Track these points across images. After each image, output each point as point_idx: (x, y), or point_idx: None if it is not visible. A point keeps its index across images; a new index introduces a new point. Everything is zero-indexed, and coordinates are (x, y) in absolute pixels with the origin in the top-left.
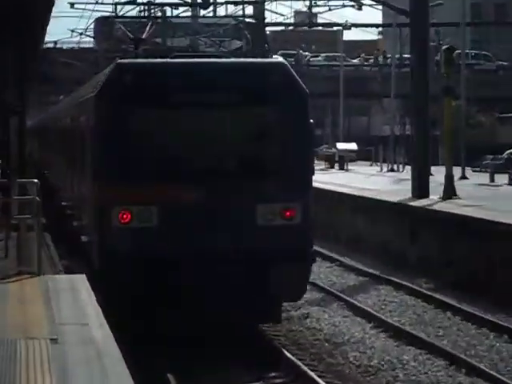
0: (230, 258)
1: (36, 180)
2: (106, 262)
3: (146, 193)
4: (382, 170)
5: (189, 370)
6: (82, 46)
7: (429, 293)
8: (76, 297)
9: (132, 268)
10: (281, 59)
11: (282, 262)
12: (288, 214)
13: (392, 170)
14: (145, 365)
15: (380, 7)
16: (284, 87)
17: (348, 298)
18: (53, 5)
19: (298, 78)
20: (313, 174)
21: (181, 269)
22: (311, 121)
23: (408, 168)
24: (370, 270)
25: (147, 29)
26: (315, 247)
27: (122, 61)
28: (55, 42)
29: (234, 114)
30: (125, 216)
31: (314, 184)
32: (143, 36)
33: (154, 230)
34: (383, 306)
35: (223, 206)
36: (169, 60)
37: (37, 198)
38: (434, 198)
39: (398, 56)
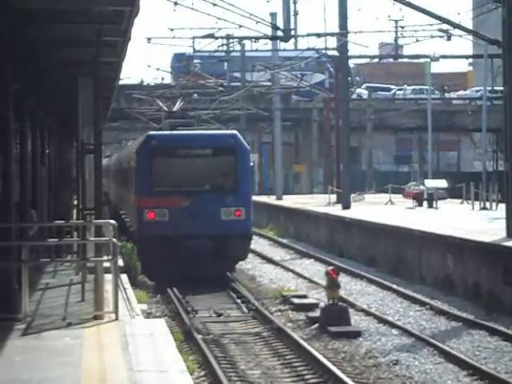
0: (206, 236)
1: (113, 221)
2: (141, 239)
3: (162, 202)
4: (473, 208)
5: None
6: (158, 81)
7: None
8: (154, 342)
9: (153, 242)
10: (235, 131)
11: (234, 239)
12: (238, 213)
13: (484, 208)
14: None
15: (470, 37)
16: (235, 146)
17: (439, 344)
18: (129, 40)
19: (243, 140)
20: (252, 193)
21: (179, 242)
22: (252, 163)
23: (501, 206)
24: (463, 314)
25: (177, 103)
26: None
27: (150, 132)
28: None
29: (209, 160)
30: (150, 215)
31: (400, 223)
32: (174, 109)
33: (166, 222)
34: (477, 353)
35: (202, 209)
36: (174, 132)
37: (114, 239)
38: None
39: (489, 88)
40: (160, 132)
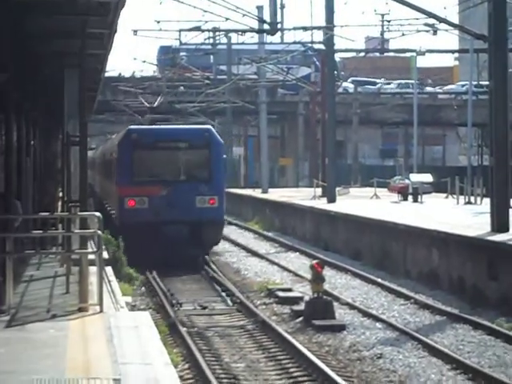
0: (184, 223)
1: (98, 213)
2: (122, 225)
3: (142, 191)
4: (458, 202)
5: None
6: (144, 74)
7: (510, 332)
8: (139, 334)
9: (134, 227)
10: (209, 126)
11: (208, 226)
12: (212, 201)
13: (469, 203)
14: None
15: (456, 32)
16: (210, 140)
17: (423, 338)
18: (115, 32)
19: (217, 135)
20: (225, 183)
21: (158, 228)
22: (224, 156)
23: (486, 201)
24: (447, 308)
25: (158, 98)
26: None
27: (131, 127)
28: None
29: (186, 153)
30: (131, 203)
31: (385, 217)
32: (154, 105)
33: (146, 209)
34: (461, 347)
35: (179, 197)
36: (153, 126)
37: (98, 232)
38: None
39: (475, 83)
40: (140, 126)
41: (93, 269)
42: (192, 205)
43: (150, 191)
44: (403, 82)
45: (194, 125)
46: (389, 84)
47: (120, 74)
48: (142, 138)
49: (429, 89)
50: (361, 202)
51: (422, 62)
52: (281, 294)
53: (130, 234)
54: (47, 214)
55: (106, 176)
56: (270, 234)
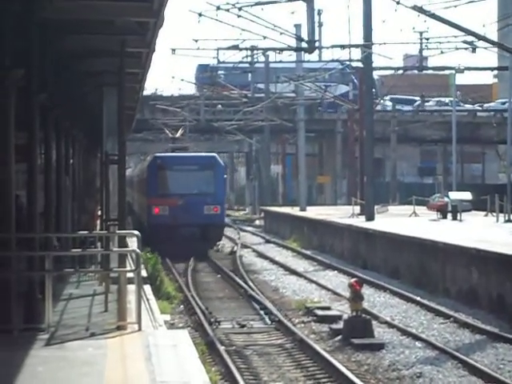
0: (196, 225)
1: (136, 232)
2: (150, 228)
3: (164, 202)
4: (498, 220)
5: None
6: (182, 92)
7: None
8: (177, 353)
9: (159, 229)
10: (214, 154)
11: (213, 228)
12: (215, 209)
13: (509, 221)
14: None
15: (495, 50)
16: (214, 164)
17: (463, 357)
18: (153, 51)
19: (220, 160)
20: (225, 195)
21: (177, 230)
22: (225, 176)
23: None
24: (487, 327)
25: (179, 131)
26: None
27: (157, 154)
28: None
29: (196, 173)
30: (156, 210)
31: (424, 235)
32: (176, 135)
33: (167, 215)
34: (501, 366)
35: (191, 206)
36: (173, 154)
37: (137, 250)
38: None
39: None
40: (163, 154)
41: (131, 287)
42: (201, 212)
43: (170, 202)
44: (442, 99)
45: (229, 143)
46: (427, 101)
47: (156, 91)
48: (164, 162)
49: (468, 106)
50: (399, 220)
51: (461, 79)
52: (319, 312)
53: (155, 232)
54: (86, 232)
55: (140, 191)
56: (308, 252)
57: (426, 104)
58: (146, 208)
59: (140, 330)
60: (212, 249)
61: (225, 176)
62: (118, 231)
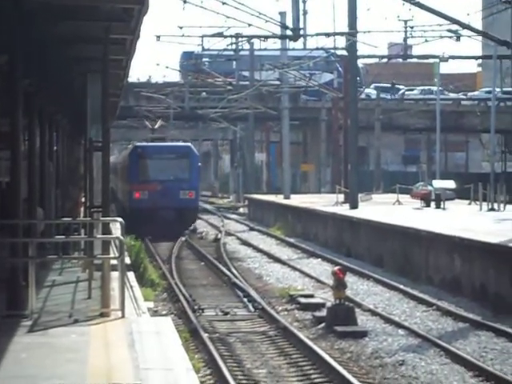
0: (171, 209)
1: (120, 219)
2: (131, 211)
3: (144, 187)
4: (481, 209)
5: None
6: (166, 79)
7: None
8: (161, 340)
9: (139, 212)
10: (189, 143)
11: (188, 211)
12: (190, 194)
13: (492, 210)
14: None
15: (479, 38)
16: (189, 152)
17: (446, 345)
18: (138, 38)
19: (194, 149)
20: (199, 182)
21: (155, 212)
22: (199, 164)
23: (509, 207)
24: (470, 315)
25: (159, 122)
26: None
27: (137, 144)
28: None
29: (173, 161)
30: (137, 195)
31: (407, 223)
32: (155, 127)
33: (147, 199)
34: (483, 354)
35: (168, 191)
36: (152, 143)
37: (120, 237)
38: None
39: (498, 89)
40: (143, 143)
41: (115, 274)
42: (177, 196)
43: (149, 187)
44: (426, 88)
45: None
46: (412, 90)
47: (138, 79)
48: (144, 151)
49: (452, 95)
50: (383, 208)
51: (445, 68)
52: (303, 300)
53: (136, 216)
54: (70, 219)
55: (122, 177)
56: (291, 240)
57: (411, 92)
58: (127, 193)
59: (123, 317)
60: (187, 230)
61: (199, 164)
62: (101, 218)
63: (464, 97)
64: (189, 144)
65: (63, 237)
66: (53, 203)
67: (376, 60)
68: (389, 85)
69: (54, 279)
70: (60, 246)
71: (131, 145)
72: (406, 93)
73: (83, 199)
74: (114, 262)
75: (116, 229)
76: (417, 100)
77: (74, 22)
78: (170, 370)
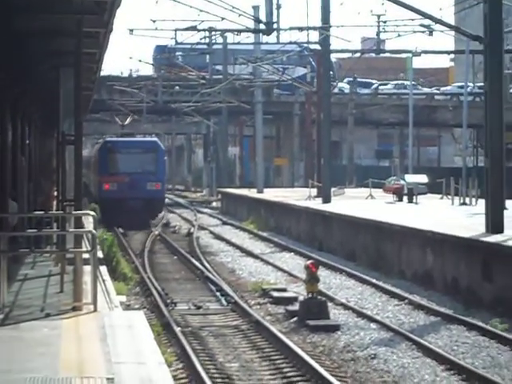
0: (140, 199)
1: (93, 212)
2: (101, 201)
3: (113, 179)
4: (453, 203)
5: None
6: (140, 73)
7: (504, 333)
8: (133, 334)
9: (109, 202)
10: (155, 139)
11: (155, 202)
12: (157, 186)
13: (464, 204)
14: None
15: (452, 33)
16: (156, 147)
17: (417, 338)
18: (111, 31)
19: (161, 143)
20: (165, 174)
21: (123, 202)
22: (165, 158)
23: (481, 202)
24: (442, 309)
25: (129, 118)
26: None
27: (107, 139)
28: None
29: (141, 155)
30: (107, 186)
31: (380, 217)
32: (125, 123)
33: (116, 190)
34: (455, 347)
35: (136, 183)
36: (121, 138)
37: (93, 230)
38: (509, 234)
39: (471, 84)
40: (113, 138)
41: (87, 268)
42: (144, 187)
43: (118, 179)
44: (400, 82)
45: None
46: (386, 85)
47: (110, 75)
48: (113, 146)
49: (426, 89)
50: (356, 202)
51: (418, 62)
52: (275, 294)
53: (105, 206)
54: (42, 212)
55: (94, 171)
56: (264, 234)
57: (384, 87)
58: (97, 185)
59: (95, 310)
60: (153, 220)
61: (165, 158)
62: (74, 212)
63: (437, 91)
64: (155, 139)
65: (35, 230)
66: (25, 197)
67: (349, 54)
68: (363, 79)
69: (26, 273)
70: (32, 239)
71: (102, 139)
72: (380, 87)
73: (56, 193)
74: (86, 255)
75: (88, 223)
76: (390, 94)
77: (46, 15)
78: (142, 363)
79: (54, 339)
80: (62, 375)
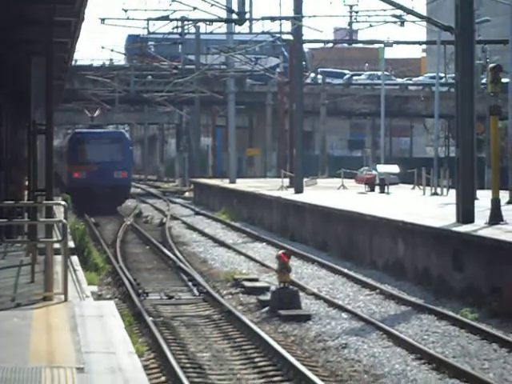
0: (108, 186)
1: (63, 202)
2: (71, 189)
3: (82, 168)
4: (424, 193)
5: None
6: (112, 63)
7: (474, 323)
8: (103, 324)
9: (78, 189)
10: (122, 130)
11: (121, 189)
12: (123, 174)
13: (435, 194)
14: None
15: (424, 24)
16: (122, 138)
17: (388, 328)
18: (82, 20)
19: (127, 134)
20: (131, 163)
21: (92, 190)
22: (131, 147)
23: (452, 192)
24: (412, 299)
25: (97, 111)
26: None
27: (76, 130)
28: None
29: (108, 146)
30: (76, 175)
31: (352, 207)
32: (94, 115)
33: (85, 179)
34: (425, 337)
35: (104, 171)
36: (90, 130)
37: (64, 220)
38: (479, 224)
39: (442, 74)
40: (82, 130)
41: (58, 258)
42: (111, 175)
43: (87, 168)
44: (373, 73)
45: (159, 115)
46: (359, 75)
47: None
48: (82, 137)
49: (399, 80)
50: (328, 192)
51: (390, 53)
52: (247, 283)
53: (75, 193)
54: (13, 202)
55: (65, 161)
56: (237, 225)
57: (358, 78)
58: (67, 173)
59: (66, 300)
60: (120, 206)
61: (131, 148)
62: (45, 201)
63: (410, 82)
64: (122, 130)
65: (6, 220)
66: None
67: (321, 45)
68: (335, 70)
69: None
70: (3, 229)
71: (72, 130)
72: (354, 77)
73: (27, 182)
74: (57, 245)
75: (59, 212)
76: (364, 85)
77: (17, 3)
78: (113, 353)
79: (24, 329)
80: (31, 365)
